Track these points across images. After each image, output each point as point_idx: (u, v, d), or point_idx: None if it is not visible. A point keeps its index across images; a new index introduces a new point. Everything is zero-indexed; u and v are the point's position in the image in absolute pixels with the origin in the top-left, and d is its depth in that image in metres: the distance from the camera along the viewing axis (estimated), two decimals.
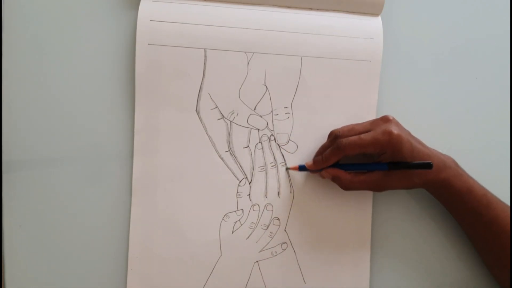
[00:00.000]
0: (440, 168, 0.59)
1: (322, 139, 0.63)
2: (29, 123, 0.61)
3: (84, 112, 0.62)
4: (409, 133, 0.60)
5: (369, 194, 0.65)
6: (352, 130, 0.60)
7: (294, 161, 0.64)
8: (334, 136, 0.60)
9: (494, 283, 0.64)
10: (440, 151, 0.64)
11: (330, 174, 0.60)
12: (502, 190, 0.67)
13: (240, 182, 0.63)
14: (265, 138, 0.63)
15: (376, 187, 0.60)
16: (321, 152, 0.62)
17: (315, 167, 0.61)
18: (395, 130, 0.57)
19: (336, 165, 0.61)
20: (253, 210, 0.63)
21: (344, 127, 0.61)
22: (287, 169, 0.64)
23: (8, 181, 0.61)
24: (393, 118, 0.59)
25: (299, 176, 0.64)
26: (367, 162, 0.61)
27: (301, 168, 0.63)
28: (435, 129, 0.67)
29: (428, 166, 0.57)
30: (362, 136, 0.58)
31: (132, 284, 0.62)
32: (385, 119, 0.59)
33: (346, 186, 0.60)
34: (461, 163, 0.64)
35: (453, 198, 0.61)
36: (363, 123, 0.61)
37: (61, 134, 0.62)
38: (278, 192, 0.63)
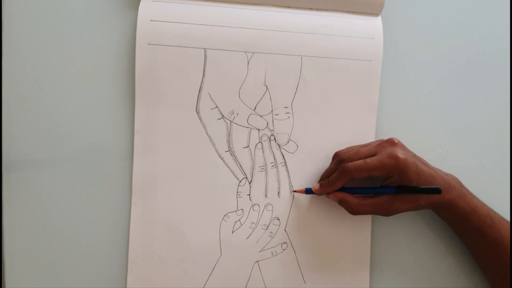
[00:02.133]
0: (445, 189, 0.59)
1: (322, 139, 0.63)
2: (29, 123, 0.61)
3: (84, 112, 0.62)
4: (414, 155, 0.60)
5: None
6: (357, 154, 0.59)
7: (294, 161, 0.64)
8: (339, 159, 0.60)
9: None
10: (440, 151, 0.64)
11: (337, 197, 0.60)
12: (502, 190, 0.67)
13: (240, 182, 0.63)
14: (265, 138, 0.63)
15: (384, 211, 0.60)
16: (327, 175, 0.62)
17: (322, 191, 0.61)
18: (401, 154, 0.57)
19: (343, 188, 0.60)
20: (253, 210, 0.63)
21: (349, 149, 0.62)
22: (294, 191, 0.64)
23: (8, 181, 0.61)
24: (399, 141, 0.59)
25: (299, 177, 0.64)
26: (374, 186, 0.60)
27: (308, 191, 0.62)
28: (435, 128, 0.67)
29: (437, 191, 0.57)
30: (368, 160, 0.57)
31: (132, 284, 0.62)
32: (391, 142, 0.59)
33: (354, 210, 0.60)
34: (461, 163, 0.64)
35: (458, 218, 0.61)
36: (369, 145, 0.61)
37: (61, 134, 0.62)
38: (278, 192, 0.63)
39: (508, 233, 0.59)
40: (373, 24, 0.64)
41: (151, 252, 0.62)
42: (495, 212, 0.61)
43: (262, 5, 0.63)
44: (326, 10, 0.64)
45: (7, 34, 0.61)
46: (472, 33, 0.67)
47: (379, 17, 0.65)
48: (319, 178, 0.64)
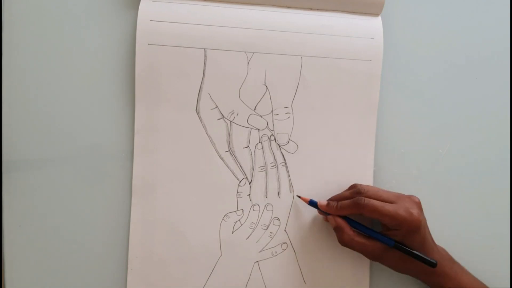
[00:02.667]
0: (439, 264, 0.59)
1: (323, 139, 0.64)
2: (29, 123, 0.61)
3: (84, 112, 0.62)
4: (426, 222, 0.59)
5: None
6: (376, 194, 0.59)
7: (294, 161, 0.64)
8: (356, 190, 0.60)
9: None
10: (440, 151, 0.64)
11: (335, 223, 0.60)
12: (502, 190, 0.67)
13: (240, 182, 0.63)
14: (265, 138, 0.63)
15: (371, 256, 0.60)
16: (338, 198, 0.61)
17: (327, 210, 0.61)
18: (417, 214, 0.56)
19: (345, 217, 0.60)
20: (253, 210, 0.63)
21: (369, 187, 0.61)
22: (298, 196, 0.63)
23: (8, 181, 0.61)
24: (419, 202, 0.59)
25: (299, 177, 0.64)
26: (376, 230, 0.60)
27: (312, 203, 0.62)
28: (435, 128, 0.67)
29: (432, 264, 0.57)
30: (385, 205, 0.57)
31: (132, 284, 0.62)
32: (412, 199, 0.59)
33: (344, 242, 0.60)
34: (461, 163, 0.64)
35: None
36: (390, 192, 0.60)
37: (61, 134, 0.62)
38: (278, 192, 0.63)
39: None
40: (373, 24, 0.64)
41: (151, 252, 0.62)
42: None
43: (262, 5, 0.63)
44: (326, 10, 0.64)
45: (7, 34, 0.61)
46: (472, 33, 0.67)
47: (379, 17, 0.65)
48: (319, 178, 0.64)
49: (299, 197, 0.63)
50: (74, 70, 0.62)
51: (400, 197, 0.59)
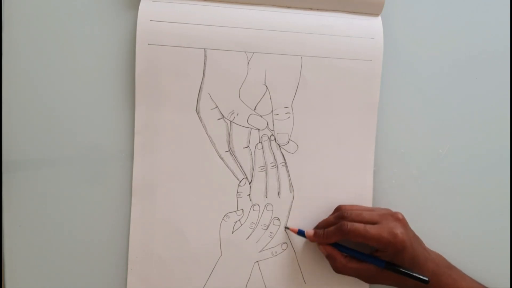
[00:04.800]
0: (433, 275, 0.59)
1: (323, 139, 0.64)
2: (29, 123, 0.61)
3: (84, 112, 0.62)
4: (414, 235, 0.59)
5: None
6: (359, 216, 0.59)
7: (294, 161, 0.64)
8: (340, 215, 0.60)
9: None
10: (440, 151, 0.64)
11: (326, 252, 0.60)
12: (502, 190, 0.67)
13: (240, 182, 0.63)
14: (265, 138, 0.63)
15: (367, 279, 0.59)
16: (323, 225, 0.62)
17: (314, 240, 0.61)
18: (401, 234, 0.56)
19: (335, 244, 0.60)
20: (253, 210, 0.63)
21: (353, 207, 0.61)
22: (286, 228, 0.64)
23: (8, 181, 0.61)
24: (403, 218, 0.59)
25: (299, 177, 0.64)
26: (365, 253, 0.59)
27: (300, 233, 0.62)
28: (435, 128, 0.67)
29: (425, 281, 0.57)
30: (368, 228, 0.57)
31: (132, 285, 0.62)
32: (395, 217, 0.58)
33: (338, 269, 0.60)
34: (461, 163, 0.64)
35: None
36: (372, 211, 0.60)
37: (61, 134, 0.62)
38: (278, 192, 0.63)
39: None
40: (373, 24, 0.64)
41: (151, 252, 0.62)
42: None
43: (262, 5, 0.63)
44: (326, 10, 0.64)
45: (7, 34, 0.61)
46: (472, 33, 0.67)
47: (379, 17, 0.65)
48: (319, 178, 0.64)
49: (288, 228, 0.64)
50: (74, 70, 0.62)
51: (383, 216, 0.59)
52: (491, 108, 0.67)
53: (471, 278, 0.62)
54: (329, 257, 0.60)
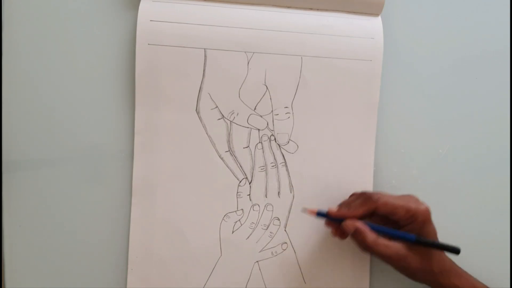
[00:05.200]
0: (440, 271, 0.58)
1: (323, 139, 0.64)
2: (29, 123, 0.61)
3: (84, 112, 0.62)
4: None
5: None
6: (382, 193, 0.58)
7: (294, 161, 0.64)
8: (362, 193, 0.59)
9: None
10: (440, 151, 0.64)
11: (354, 227, 0.57)
12: (502, 190, 0.67)
13: (240, 182, 0.63)
14: (265, 138, 0.63)
15: (396, 260, 0.56)
16: (345, 204, 0.60)
17: (340, 215, 0.58)
18: (424, 205, 0.57)
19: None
20: (253, 210, 0.63)
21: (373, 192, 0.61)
22: (305, 209, 0.61)
23: (8, 181, 0.61)
24: (423, 202, 0.58)
25: (299, 177, 0.64)
26: (395, 230, 0.58)
27: (320, 214, 0.59)
28: (435, 128, 0.67)
29: (456, 250, 0.55)
30: (395, 197, 0.57)
31: (132, 285, 0.62)
32: (415, 198, 0.58)
33: (368, 246, 0.56)
34: (461, 163, 0.64)
35: None
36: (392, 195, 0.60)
37: (61, 134, 0.62)
38: (278, 192, 0.63)
39: None
40: (373, 24, 0.64)
41: (151, 252, 0.62)
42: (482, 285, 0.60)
43: (262, 5, 0.63)
44: (326, 10, 0.64)
45: (7, 34, 0.61)
46: (472, 33, 0.67)
47: (379, 17, 0.65)
48: (319, 178, 0.64)
49: (306, 209, 0.61)
50: (74, 70, 0.62)
51: (403, 197, 0.59)
52: (491, 108, 0.67)
53: (470, 276, 0.61)
54: (356, 233, 0.56)
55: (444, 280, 0.59)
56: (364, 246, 0.57)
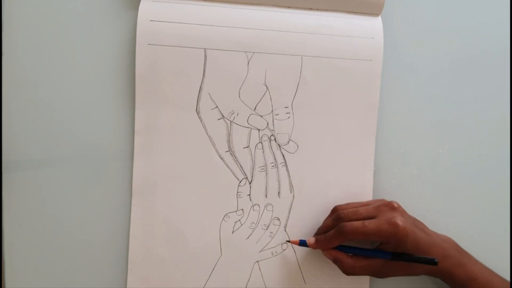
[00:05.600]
0: (442, 257, 0.58)
1: (323, 139, 0.64)
2: (29, 123, 0.61)
3: (84, 112, 0.62)
4: (413, 221, 0.59)
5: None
6: (356, 214, 0.58)
7: (294, 161, 0.64)
8: (337, 217, 0.59)
9: None
10: (440, 151, 0.64)
11: (332, 256, 0.60)
12: (502, 190, 0.67)
13: (240, 182, 0.63)
14: (265, 138, 0.63)
15: (378, 274, 0.59)
16: (323, 230, 0.61)
17: (317, 247, 0.60)
18: (400, 222, 0.56)
19: (338, 246, 0.60)
20: (253, 210, 0.63)
21: (348, 206, 0.61)
22: (287, 241, 0.64)
23: (8, 181, 0.61)
24: (399, 206, 0.59)
25: (299, 177, 0.64)
26: (370, 248, 0.60)
27: (302, 243, 0.61)
28: (435, 128, 0.67)
29: (433, 262, 0.56)
30: (367, 223, 0.56)
31: (132, 284, 0.62)
32: (391, 207, 0.58)
33: (347, 271, 0.59)
34: (461, 163, 0.64)
35: (456, 285, 0.60)
36: (368, 206, 0.60)
37: (61, 134, 0.62)
38: (279, 192, 0.63)
39: None
40: (374, 24, 0.64)
41: (151, 252, 0.62)
42: (497, 277, 0.60)
43: (262, 5, 0.63)
44: (326, 10, 0.64)
45: (7, 34, 0.61)
46: (472, 33, 0.67)
47: (379, 17, 0.65)
48: (319, 178, 0.64)
49: (289, 241, 0.64)
50: (74, 70, 0.62)
51: (379, 208, 0.59)
52: (491, 108, 0.67)
53: (482, 264, 0.61)
54: (336, 261, 0.59)
55: (439, 274, 0.60)
56: (345, 272, 0.59)
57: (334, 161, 0.64)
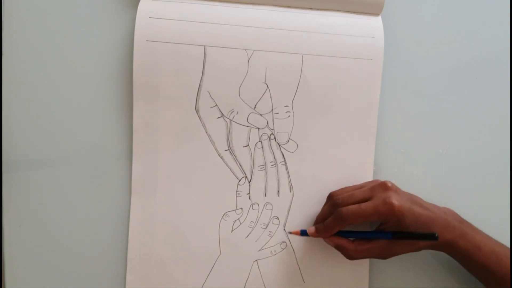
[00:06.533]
0: (444, 229, 0.58)
1: (323, 138, 0.63)
2: (29, 123, 0.61)
3: (84, 111, 0.62)
4: (409, 197, 0.59)
5: None
6: (351, 197, 0.59)
7: (294, 161, 0.63)
8: (333, 203, 0.60)
9: None
10: (440, 151, 0.64)
11: (333, 243, 0.60)
12: (502, 190, 0.67)
13: (239, 181, 0.63)
14: (265, 137, 0.63)
15: (382, 255, 0.59)
16: (321, 218, 0.61)
17: (318, 236, 0.61)
18: (396, 201, 0.56)
19: (339, 232, 0.60)
20: (253, 209, 0.63)
21: (343, 191, 0.61)
22: (289, 232, 0.64)
23: (8, 181, 0.61)
24: (392, 185, 0.58)
25: (299, 176, 0.64)
26: (370, 231, 0.60)
27: (303, 233, 0.62)
28: (435, 128, 0.67)
29: (433, 237, 0.56)
30: (363, 206, 0.56)
31: (131, 283, 0.62)
32: (384, 187, 0.58)
33: (351, 256, 0.59)
34: (461, 163, 0.64)
35: (461, 256, 0.60)
36: (362, 188, 0.60)
37: (60, 133, 0.62)
38: (278, 191, 0.63)
39: None
40: (374, 23, 0.64)
41: (150, 251, 0.62)
42: (500, 245, 0.60)
43: (262, 5, 0.63)
44: (326, 10, 0.64)
45: (7, 33, 0.61)
46: (472, 32, 0.67)
47: (379, 17, 0.65)
48: (318, 177, 0.64)
49: (290, 232, 0.64)
50: (74, 69, 0.62)
51: (374, 189, 0.58)
52: (491, 108, 0.67)
53: (485, 233, 0.61)
54: (338, 247, 0.60)
55: (441, 250, 0.60)
56: (348, 257, 0.59)
57: (333, 160, 0.64)
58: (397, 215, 0.56)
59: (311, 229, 0.61)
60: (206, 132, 0.62)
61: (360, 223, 0.57)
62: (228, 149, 0.62)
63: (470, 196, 0.67)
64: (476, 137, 0.67)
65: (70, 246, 0.62)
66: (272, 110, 0.63)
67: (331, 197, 0.62)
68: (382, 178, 0.65)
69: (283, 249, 0.63)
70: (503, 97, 0.67)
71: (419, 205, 0.58)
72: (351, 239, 0.60)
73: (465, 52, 0.67)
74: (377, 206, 0.56)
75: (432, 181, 0.66)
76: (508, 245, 0.60)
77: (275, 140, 0.63)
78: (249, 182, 0.63)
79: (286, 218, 0.64)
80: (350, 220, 0.56)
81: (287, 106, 0.63)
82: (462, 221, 0.61)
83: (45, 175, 0.62)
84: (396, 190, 0.58)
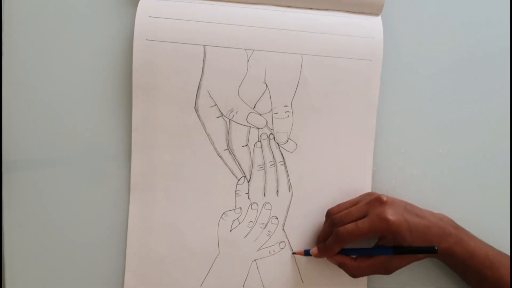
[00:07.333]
0: (440, 237, 0.58)
1: (322, 138, 0.63)
2: (29, 123, 0.62)
3: (83, 110, 0.62)
4: (404, 209, 0.59)
5: None
6: (348, 215, 0.59)
7: (293, 160, 0.63)
8: (331, 222, 0.60)
9: None
10: (440, 151, 0.64)
11: (336, 261, 0.61)
12: (502, 190, 0.67)
13: (238, 180, 0.63)
14: (264, 136, 0.63)
15: (384, 271, 0.59)
16: (323, 236, 0.62)
17: (321, 256, 0.61)
18: (390, 216, 0.56)
19: (341, 250, 0.60)
20: (252, 208, 0.63)
21: (339, 208, 0.62)
22: (293, 253, 0.64)
23: (8, 181, 0.62)
24: (387, 198, 0.58)
25: (298, 176, 0.64)
26: (371, 247, 0.60)
27: (307, 253, 0.62)
28: (435, 128, 0.66)
29: (433, 250, 0.56)
30: (360, 224, 0.57)
31: (130, 282, 0.62)
32: (379, 201, 0.58)
33: (354, 274, 0.60)
34: (461, 163, 0.64)
35: (457, 263, 0.60)
36: (358, 204, 0.60)
37: (60, 133, 0.62)
38: (277, 191, 0.63)
39: (508, 271, 0.58)
40: (373, 24, 0.64)
41: (149, 250, 0.62)
42: (493, 250, 0.60)
43: (262, 5, 0.63)
44: (326, 10, 0.64)
45: (7, 32, 0.61)
46: (472, 32, 0.67)
47: (379, 17, 0.65)
48: (317, 177, 0.64)
49: (295, 253, 0.64)
50: (73, 69, 0.62)
51: (370, 205, 0.59)
52: (491, 108, 0.67)
53: (479, 239, 0.61)
54: (341, 266, 0.60)
55: (439, 258, 0.61)
56: (352, 275, 0.60)
57: (333, 160, 0.64)
58: (393, 230, 0.56)
59: (314, 250, 0.61)
60: (205, 131, 0.62)
61: (359, 240, 0.58)
62: (227, 149, 0.62)
63: (470, 196, 0.67)
64: (476, 137, 0.67)
65: (70, 245, 0.62)
66: (271, 109, 0.63)
67: (328, 216, 0.62)
68: (382, 178, 0.65)
69: (282, 248, 0.63)
70: (503, 97, 0.67)
71: (414, 215, 0.59)
72: (354, 256, 0.60)
73: (465, 52, 0.67)
74: (373, 223, 0.57)
75: (432, 181, 0.66)
76: (508, 245, 0.60)
77: (274, 140, 0.63)
78: (248, 182, 0.63)
79: (285, 218, 0.63)
80: (349, 239, 0.57)
81: (286, 106, 0.63)
82: (458, 228, 0.61)
83: (45, 175, 0.62)
84: (391, 203, 0.58)
